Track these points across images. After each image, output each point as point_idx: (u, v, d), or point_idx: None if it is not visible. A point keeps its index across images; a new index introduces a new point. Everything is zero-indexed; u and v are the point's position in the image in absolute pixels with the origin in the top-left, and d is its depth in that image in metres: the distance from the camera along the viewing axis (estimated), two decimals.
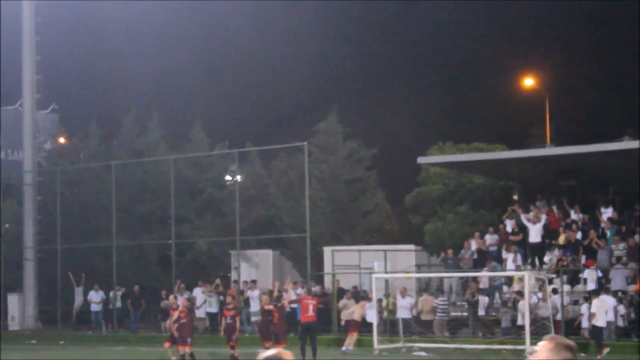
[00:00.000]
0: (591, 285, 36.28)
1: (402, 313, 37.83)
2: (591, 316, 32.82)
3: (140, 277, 49.50)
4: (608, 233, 39.13)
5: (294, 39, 79.12)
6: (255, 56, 79.79)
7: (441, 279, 41.70)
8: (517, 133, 61.61)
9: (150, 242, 50.86)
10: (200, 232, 51.60)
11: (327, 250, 45.18)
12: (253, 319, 41.46)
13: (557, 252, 39.88)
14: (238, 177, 48.66)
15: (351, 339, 35.78)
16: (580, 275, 38.24)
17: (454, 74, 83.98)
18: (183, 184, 50.91)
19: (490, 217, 46.87)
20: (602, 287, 35.43)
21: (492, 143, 52.30)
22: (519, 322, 35.00)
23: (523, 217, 40.76)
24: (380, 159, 54.95)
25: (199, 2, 71.79)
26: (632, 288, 36.29)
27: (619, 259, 37.33)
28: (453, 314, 39.53)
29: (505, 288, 39.21)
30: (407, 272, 41.12)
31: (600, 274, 37.11)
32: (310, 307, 32.02)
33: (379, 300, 38.24)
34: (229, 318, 31.72)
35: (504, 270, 39.36)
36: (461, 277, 40.70)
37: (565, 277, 37.40)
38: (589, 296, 34.64)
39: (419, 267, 44.25)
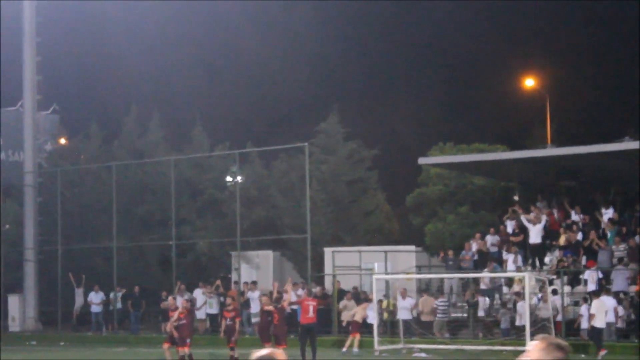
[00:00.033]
0: (591, 286, 36.25)
1: (403, 314, 37.81)
2: (590, 317, 32.80)
3: (140, 278, 49.46)
4: (608, 234, 39.10)
5: (294, 39, 79.12)
6: (255, 56, 79.80)
7: (442, 280, 41.66)
8: (518, 134, 61.60)
9: (151, 243, 50.82)
10: (201, 233, 51.57)
11: (327, 251, 45.15)
12: (253, 320, 41.44)
13: (557, 253, 39.86)
14: (239, 178, 48.63)
15: (354, 340, 35.73)
16: (581, 276, 38.22)
17: (455, 75, 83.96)
18: (183, 184, 50.89)
19: (491, 218, 46.87)
20: (603, 288, 35.41)
21: (493, 144, 52.31)
22: (518, 323, 34.99)
23: (523, 218, 40.74)
24: (381, 159, 54.94)
25: (199, 2, 71.78)
26: (633, 289, 36.27)
27: (620, 259, 37.29)
28: (453, 315, 39.52)
29: (505, 289, 39.18)
30: (408, 273, 41.11)
31: (600, 275, 37.09)
32: (311, 309, 31.99)
33: (379, 301, 38.22)
34: (228, 319, 31.72)
35: (504, 271, 39.34)
36: (461, 278, 40.67)
37: (565, 278, 37.38)
38: (588, 297, 34.62)
39: (420, 268, 44.22)
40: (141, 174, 54.48)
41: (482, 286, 39.38)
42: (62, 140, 61.37)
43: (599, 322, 32.48)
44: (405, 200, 53.25)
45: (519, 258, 39.62)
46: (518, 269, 38.46)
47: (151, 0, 62.90)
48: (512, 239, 41.17)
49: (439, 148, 52.39)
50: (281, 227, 50.41)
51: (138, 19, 66.45)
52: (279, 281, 40.16)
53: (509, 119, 68.59)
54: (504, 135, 59.34)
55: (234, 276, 46.27)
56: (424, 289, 41.16)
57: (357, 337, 35.73)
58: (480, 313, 38.65)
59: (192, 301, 42.31)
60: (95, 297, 46.55)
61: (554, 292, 36.18)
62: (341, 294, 40.82)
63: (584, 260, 38.75)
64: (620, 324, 34.91)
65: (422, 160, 46.51)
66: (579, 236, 39.71)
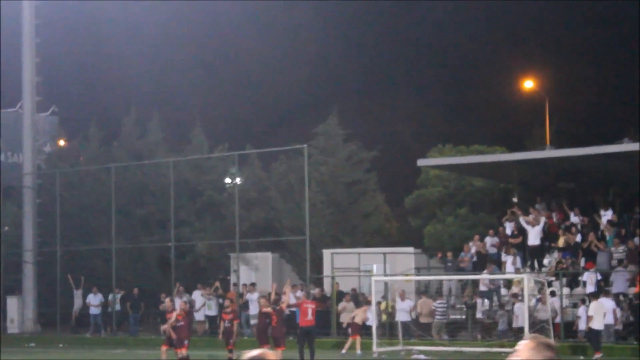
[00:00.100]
0: (590, 288, 36.24)
1: (401, 316, 37.79)
2: (588, 319, 32.78)
3: (139, 280, 49.46)
4: (607, 236, 39.08)
5: (293, 40, 79.16)
6: (254, 57, 79.80)
7: (440, 282, 41.64)
8: (517, 135, 61.58)
9: (150, 245, 50.80)
10: (200, 234, 51.55)
11: (326, 253, 45.12)
12: (252, 322, 41.39)
13: (556, 255, 39.85)
14: (238, 180, 48.61)
15: (355, 342, 35.67)
16: (580, 278, 38.20)
17: (454, 76, 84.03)
18: (183, 186, 50.87)
19: (490, 220, 46.87)
20: (601, 289, 35.39)
21: (492, 145, 52.36)
22: (515, 325, 34.95)
23: (522, 220, 40.71)
24: (380, 161, 54.91)
25: (199, 3, 71.78)
26: (632, 291, 36.25)
27: (620, 261, 37.26)
28: (452, 316, 39.50)
29: (504, 291, 39.16)
30: (407, 275, 41.08)
31: (599, 277, 37.07)
32: (310, 311, 31.96)
33: (378, 303, 38.19)
34: (226, 322, 31.72)
35: (503, 273, 39.31)
36: (460, 280, 40.65)
37: (564, 280, 37.37)
38: (587, 298, 34.59)
39: (419, 270, 44.20)
40: (140, 176, 54.46)
41: (482, 287, 39.34)
42: (61, 142, 61.34)
43: (597, 324, 32.44)
44: (404, 201, 53.23)
45: (518, 260, 39.60)
46: (517, 271, 38.42)
47: (150, 1, 62.87)
48: (511, 240, 41.15)
49: (438, 150, 52.42)
50: (280, 229, 50.41)
51: (137, 20, 66.44)
52: (278, 283, 40.15)
53: (508, 121, 68.63)
54: (503, 136, 59.40)
55: (232, 278, 46.23)
56: (422, 290, 41.13)
57: (358, 339, 35.69)
58: (479, 315, 38.63)
59: (190, 303, 42.32)
60: (94, 299, 46.52)
61: (552, 293, 36.16)
62: (340, 295, 40.81)
63: (582, 262, 38.72)
64: (619, 326, 34.88)
65: (421, 162, 46.51)
66: (578, 238, 39.70)
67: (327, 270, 44.07)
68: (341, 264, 43.34)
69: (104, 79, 76.89)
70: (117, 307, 46.50)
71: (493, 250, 41.50)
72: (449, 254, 42.27)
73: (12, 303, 50.42)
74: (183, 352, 30.15)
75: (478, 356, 33.64)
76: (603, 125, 64.74)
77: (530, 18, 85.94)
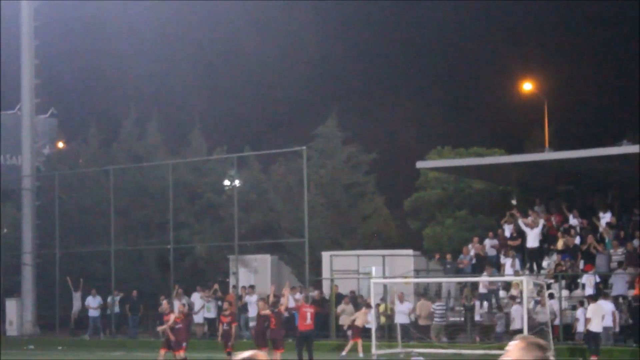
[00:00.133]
0: (589, 291, 36.22)
1: (400, 318, 37.76)
2: (587, 321, 32.78)
3: (138, 282, 49.43)
4: (606, 238, 39.08)
5: (292, 42, 79.10)
6: (254, 59, 79.80)
7: (439, 284, 41.63)
8: (516, 138, 61.60)
9: (149, 247, 50.82)
10: (199, 237, 51.55)
11: (325, 255, 45.10)
12: (251, 324, 41.37)
13: (555, 257, 39.83)
14: (237, 182, 48.62)
15: (356, 345, 35.64)
16: (579, 281, 38.19)
17: (453, 78, 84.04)
18: (182, 188, 50.87)
19: (489, 222, 46.84)
20: (600, 292, 35.38)
21: (491, 147, 52.33)
22: (512, 327, 34.91)
23: (521, 222, 40.69)
24: (379, 163, 54.92)
25: (198, 6, 71.79)
26: (632, 293, 36.23)
27: (620, 263, 37.25)
28: (451, 319, 39.49)
29: (502, 293, 39.14)
30: (406, 277, 41.07)
31: (598, 279, 37.07)
32: (308, 315, 31.94)
33: (377, 305, 38.17)
34: (225, 324, 31.71)
35: (502, 275, 39.29)
36: (459, 282, 40.62)
37: (563, 282, 37.36)
38: (585, 301, 34.58)
39: (418, 272, 44.20)
40: (139, 178, 54.46)
41: (482, 290, 39.30)
42: (60, 144, 61.34)
43: (595, 327, 32.45)
44: (403, 204, 53.22)
45: (517, 262, 39.58)
46: (516, 273, 38.41)
47: (149, 3, 62.86)
48: (510, 243, 41.13)
49: (437, 152, 52.39)
50: (279, 231, 50.40)
51: (136, 22, 66.49)
52: (277, 285, 40.13)
53: (507, 123, 68.61)
54: (502, 138, 59.43)
55: (232, 280, 46.25)
56: (421, 293, 41.12)
57: (360, 342, 35.66)
58: (477, 317, 38.61)
59: (189, 305, 42.32)
60: (93, 302, 46.49)
61: (550, 295, 36.14)
62: (339, 298, 40.79)
63: (581, 264, 38.72)
64: (617, 328, 34.85)
65: (420, 164, 46.53)
66: (577, 240, 39.69)
67: (326, 272, 44.05)
68: (340, 266, 43.33)
69: (103, 81, 76.93)
70: (116, 309, 46.49)
71: (492, 252, 41.49)
72: (448, 256, 42.26)
73: (11, 305, 50.40)
74: (181, 354, 30.16)
75: (477, 358, 33.63)
76: (602, 128, 64.79)
77: (529, 20, 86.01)
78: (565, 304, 36.82)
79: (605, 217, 40.36)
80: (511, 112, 68.68)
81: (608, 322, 33.52)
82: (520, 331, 32.47)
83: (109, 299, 46.47)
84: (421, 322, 38.37)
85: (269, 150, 52.08)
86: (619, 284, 36.57)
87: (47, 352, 41.46)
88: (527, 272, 39.13)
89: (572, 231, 40.26)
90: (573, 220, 41.28)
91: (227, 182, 52.17)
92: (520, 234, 40.93)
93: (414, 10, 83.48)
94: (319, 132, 53.25)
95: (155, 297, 44.53)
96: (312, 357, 31.69)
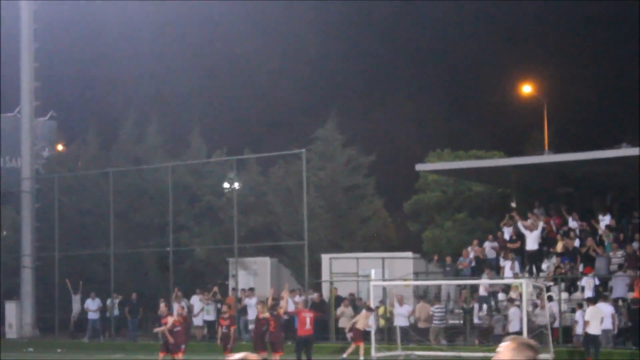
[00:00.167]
0: (588, 293, 36.21)
1: (400, 321, 37.75)
2: (585, 324, 32.78)
3: (138, 285, 49.40)
4: (606, 240, 39.08)
5: (291, 44, 79.18)
6: (253, 61, 79.80)
7: (439, 287, 41.62)
8: (515, 140, 61.65)
9: (148, 250, 50.78)
10: (198, 239, 51.55)
11: (325, 258, 45.09)
12: (250, 327, 41.37)
13: (554, 260, 39.82)
14: (236, 184, 48.62)
15: (358, 348, 35.59)
16: (578, 283, 38.18)
17: (452, 81, 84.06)
18: (181, 191, 50.85)
19: (488, 225, 46.83)
20: (600, 294, 35.37)
21: (490, 150, 52.30)
22: (511, 330, 34.86)
23: (520, 225, 40.69)
24: (379, 165, 54.90)
25: (197, 10, 71.83)
26: (631, 295, 36.22)
27: (620, 266, 37.25)
28: (451, 321, 39.47)
29: (502, 296, 39.13)
30: (406, 280, 41.06)
31: (597, 282, 37.06)
32: (308, 321, 31.90)
33: (376, 308, 38.13)
34: (224, 327, 31.71)
35: (502, 278, 39.28)
36: (459, 285, 40.62)
37: (563, 285, 37.36)
38: (583, 303, 34.57)
39: (417, 275, 44.19)
40: (139, 180, 54.45)
41: (482, 292, 39.27)
42: (60, 147, 61.36)
43: (593, 329, 32.44)
44: (403, 206, 53.22)
45: (516, 265, 39.56)
46: (515, 276, 38.41)
47: (148, 5, 62.88)
48: (509, 245, 41.12)
49: (437, 154, 52.39)
50: (278, 234, 50.38)
51: (135, 25, 66.51)
52: (276, 288, 40.12)
53: (507, 126, 68.65)
54: (501, 141, 59.41)
55: (231, 283, 46.25)
56: (421, 295, 41.11)
57: (362, 345, 35.62)
58: (476, 320, 38.60)
59: (189, 308, 42.34)
60: (92, 304, 46.47)
61: (549, 298, 36.13)
62: (338, 300, 40.78)
63: (581, 267, 38.71)
64: (616, 331, 34.84)
65: (419, 167, 46.54)
66: (576, 243, 39.69)
67: (325, 275, 44.04)
68: (339, 269, 43.31)
69: (102, 84, 76.95)
70: (116, 312, 46.47)
71: (492, 255, 41.47)
72: (448, 259, 42.26)
73: (10, 308, 50.41)
74: (180, 356, 30.16)
75: None
76: (601, 130, 64.82)
77: (528, 23, 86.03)
78: (564, 307, 36.80)
79: (605, 220, 40.36)
80: (511, 115, 68.74)
81: (607, 324, 33.51)
82: (518, 333, 32.44)
83: (109, 301, 46.45)
84: (421, 324, 38.36)
85: (268, 152, 52.07)
86: (619, 286, 36.55)
87: (46, 355, 41.48)
88: (526, 274, 39.12)
89: (572, 234, 40.26)
90: (572, 223, 41.28)
91: (226, 185, 52.17)
92: (520, 237, 40.92)
93: (413, 13, 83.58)
94: (318, 135, 53.21)
95: (154, 299, 44.46)
96: (310, 358, 31.69)
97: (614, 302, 35.30)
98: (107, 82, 75.71)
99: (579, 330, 34.15)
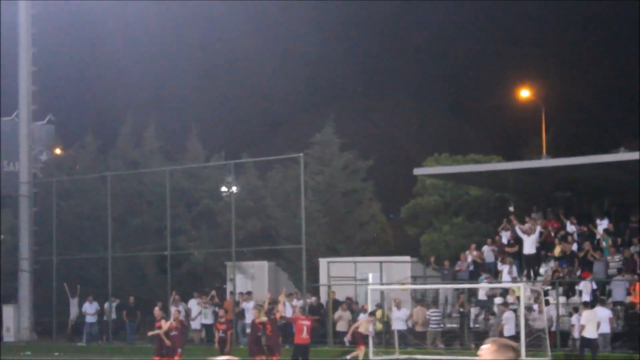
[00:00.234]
0: (586, 297, 36.22)
1: (397, 324, 37.75)
2: (581, 328, 32.77)
3: (135, 289, 49.41)
4: (604, 244, 39.10)
5: (290, 48, 79.21)
6: (251, 65, 79.82)
7: (437, 291, 41.62)
8: (513, 144, 61.64)
9: (146, 254, 50.76)
10: (196, 243, 51.53)
11: (322, 262, 45.11)
12: (248, 330, 41.35)
13: (552, 264, 39.84)
14: (234, 188, 48.61)
15: (360, 352, 35.59)
16: (576, 287, 38.19)
17: (451, 85, 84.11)
18: (179, 195, 50.86)
19: (486, 229, 46.86)
20: (597, 299, 35.38)
21: (488, 154, 52.34)
22: (505, 334, 34.85)
23: (518, 229, 40.70)
24: (376, 170, 54.87)
25: (195, 12, 71.86)
26: (628, 299, 36.24)
27: (619, 270, 37.26)
28: (448, 325, 39.46)
29: (499, 299, 39.11)
30: (403, 284, 41.07)
31: (595, 286, 37.06)
32: (305, 328, 31.86)
33: (373, 312, 38.12)
34: (221, 332, 31.71)
35: (499, 282, 39.28)
36: (457, 289, 40.63)
37: (560, 289, 37.36)
38: (580, 307, 34.56)
39: (415, 279, 44.19)
40: (136, 184, 54.45)
41: (482, 296, 39.25)
42: (58, 151, 61.27)
43: (590, 333, 32.44)
44: (400, 210, 53.22)
45: (514, 269, 39.57)
46: (513, 280, 38.41)
47: (147, 10, 62.88)
48: (507, 249, 41.14)
49: (435, 159, 52.42)
50: (276, 238, 50.38)
51: (133, 29, 66.53)
52: (274, 291, 40.13)
53: (505, 130, 68.69)
54: (499, 146, 59.49)
55: (229, 287, 46.24)
56: (419, 299, 41.11)
57: (363, 349, 35.61)
58: (472, 324, 38.58)
59: (186, 311, 42.32)
60: (90, 308, 46.46)
61: (546, 302, 36.13)
62: (336, 304, 40.78)
63: (578, 271, 38.72)
64: (612, 335, 34.84)
65: (417, 171, 46.55)
66: (574, 247, 39.71)
67: (323, 279, 44.05)
68: (337, 273, 43.33)
69: (100, 88, 76.94)
70: (113, 315, 46.45)
71: (491, 259, 41.49)
72: (446, 263, 42.26)
73: (8, 311, 50.37)
74: (176, 359, 30.15)
75: None
76: (599, 135, 64.84)
77: (526, 28, 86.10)
78: (562, 311, 36.80)
79: (603, 224, 40.39)
80: (509, 119, 68.74)
81: (604, 329, 33.50)
82: (513, 337, 32.46)
83: (106, 305, 46.42)
84: (418, 328, 38.36)
85: (266, 156, 52.07)
86: (618, 290, 36.56)
87: (44, 359, 41.45)
88: (524, 278, 39.13)
89: (570, 238, 40.29)
90: (570, 227, 41.31)
91: (224, 189, 52.15)
92: (518, 241, 40.95)
93: (411, 18, 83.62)
94: (316, 139, 53.20)
95: (152, 303, 44.40)
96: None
97: (614, 306, 35.29)
98: (105, 86, 75.74)
99: (575, 334, 34.17)
